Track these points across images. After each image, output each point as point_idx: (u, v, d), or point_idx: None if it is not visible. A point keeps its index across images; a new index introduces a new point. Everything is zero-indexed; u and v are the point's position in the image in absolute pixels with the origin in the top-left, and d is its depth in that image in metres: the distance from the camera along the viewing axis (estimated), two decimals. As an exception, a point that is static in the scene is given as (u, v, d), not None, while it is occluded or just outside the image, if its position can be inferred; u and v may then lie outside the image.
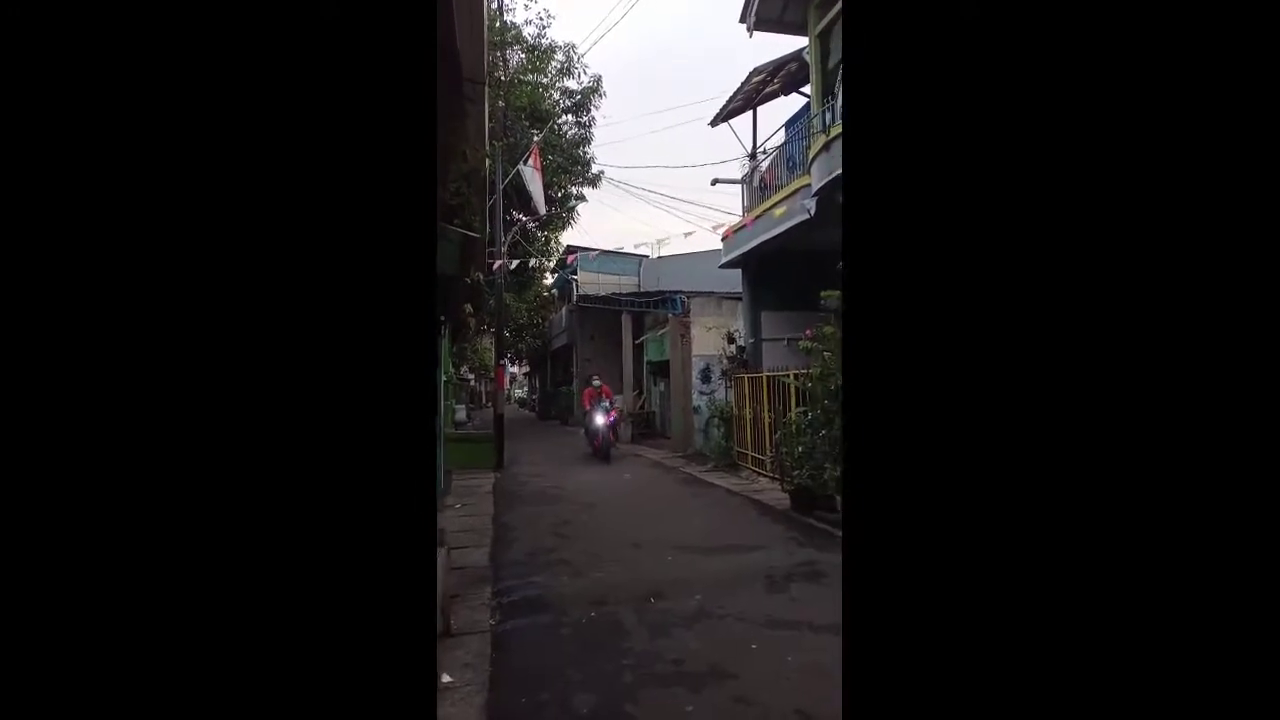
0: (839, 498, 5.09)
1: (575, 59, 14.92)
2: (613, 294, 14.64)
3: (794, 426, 5.92)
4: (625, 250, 17.27)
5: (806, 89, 8.09)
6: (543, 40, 14.94)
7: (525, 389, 35.79)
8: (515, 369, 30.67)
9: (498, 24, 11.26)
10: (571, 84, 15.07)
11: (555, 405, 19.55)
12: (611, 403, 10.24)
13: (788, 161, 8.41)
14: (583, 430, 10.62)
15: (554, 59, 14.89)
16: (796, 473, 5.65)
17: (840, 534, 4.79)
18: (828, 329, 5.54)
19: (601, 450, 9.66)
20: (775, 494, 6.35)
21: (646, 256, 17.30)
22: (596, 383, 10.48)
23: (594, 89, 15.18)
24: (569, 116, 15.34)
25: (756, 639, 2.89)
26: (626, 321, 14.26)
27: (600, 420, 9.74)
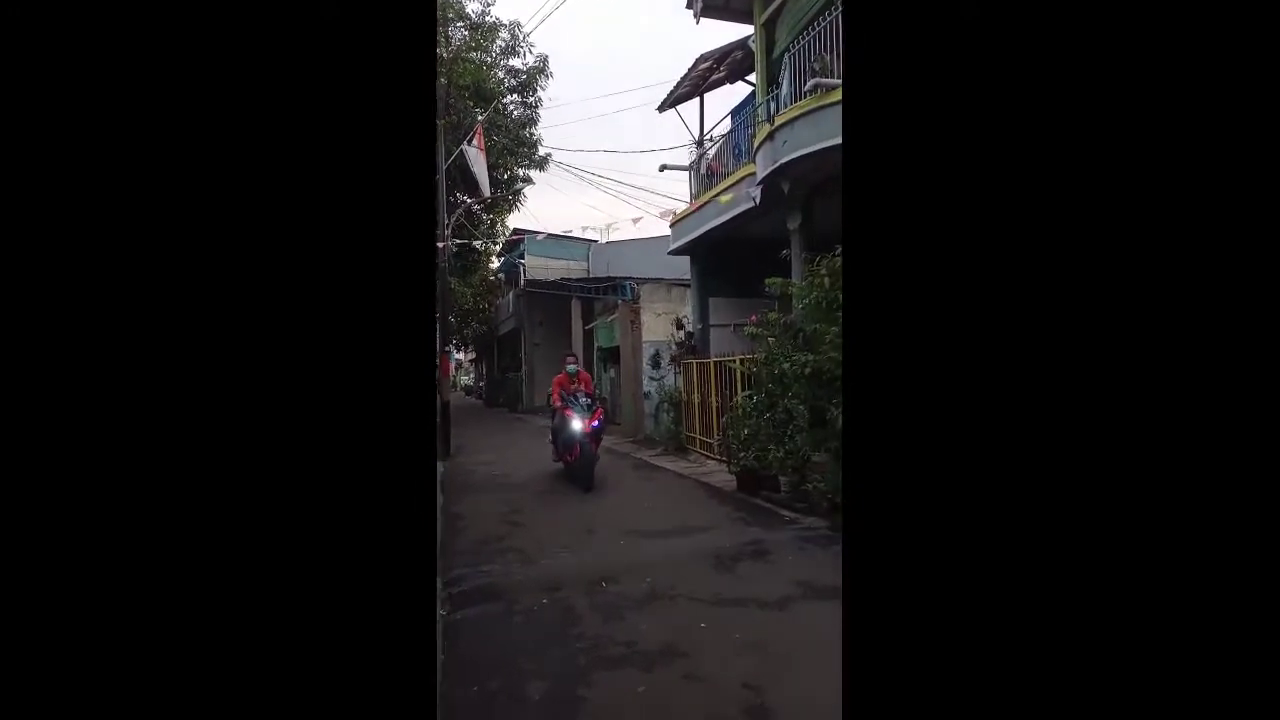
0: (782, 477, 5.27)
1: (521, 38, 14.56)
2: (562, 279, 14.50)
3: (740, 410, 6.06)
4: (574, 235, 17.12)
5: (752, 77, 8.18)
6: (487, 17, 14.49)
7: (471, 376, 35.13)
8: (461, 355, 30.04)
9: (439, -2, 10.85)
10: (517, 63, 14.72)
11: (503, 392, 19.29)
12: (594, 398, 6.67)
13: (734, 149, 8.51)
14: (550, 436, 7.00)
15: (498, 36, 14.48)
16: (742, 455, 5.81)
17: (784, 512, 4.98)
18: (772, 315, 5.68)
19: (580, 467, 6.20)
20: (723, 476, 6.51)
21: (596, 241, 17.20)
22: (573, 367, 6.99)
23: (540, 69, 14.87)
24: (514, 96, 14.99)
25: (706, 618, 2.99)
26: (576, 307, 14.17)
27: (578, 425, 6.17)
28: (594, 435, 6.37)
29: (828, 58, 5.50)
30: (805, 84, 5.34)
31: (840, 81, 5.19)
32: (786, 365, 5.04)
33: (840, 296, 4.81)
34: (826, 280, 4.94)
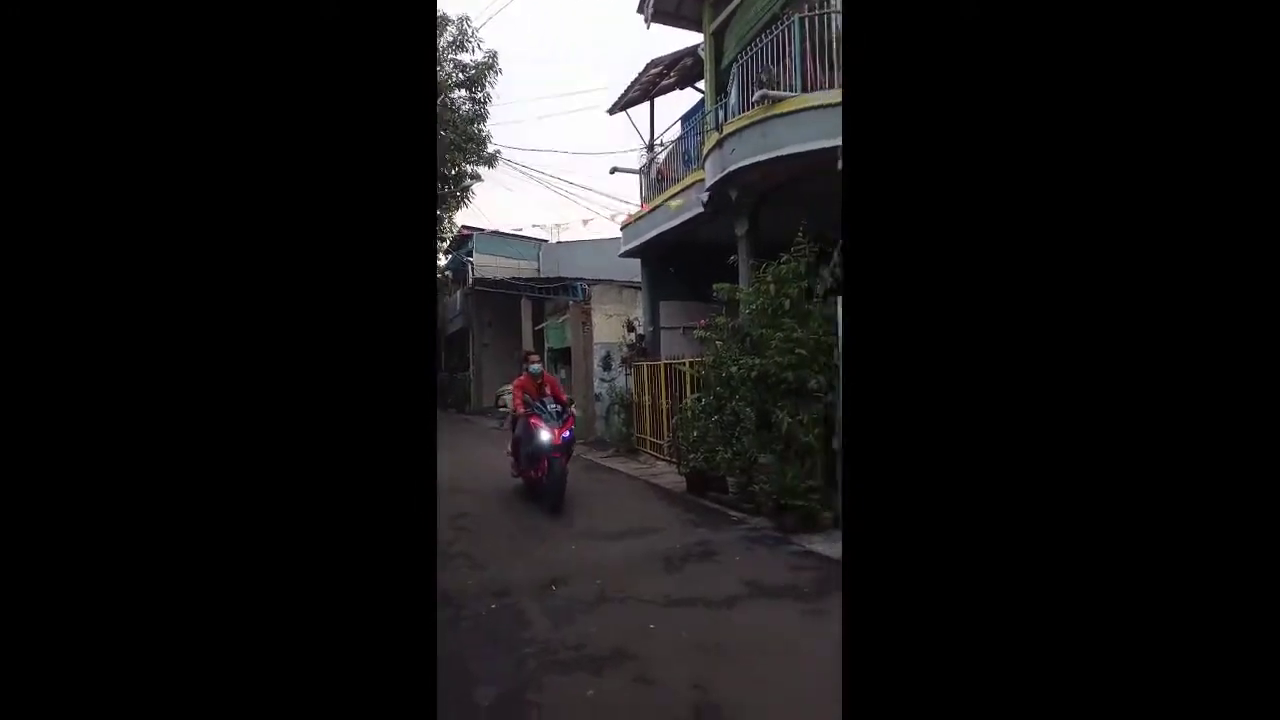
0: (730, 478, 5.39)
1: (470, 32, 14.31)
2: (511, 278, 14.32)
3: (689, 412, 6.16)
4: (523, 234, 16.93)
5: (702, 84, 8.31)
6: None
7: (417, 376, 34.07)
8: (406, 355, 29.08)
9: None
10: (466, 58, 14.45)
11: (451, 393, 18.88)
12: (565, 406, 5.69)
13: (683, 156, 8.62)
14: (509, 446, 6.19)
15: (447, 30, 14.19)
16: (691, 456, 5.90)
17: (731, 513, 5.09)
18: (720, 319, 5.80)
19: (549, 485, 5.24)
20: (672, 477, 6.59)
21: (546, 241, 17.06)
22: (536, 367, 5.96)
23: (489, 65, 14.64)
24: (462, 91, 14.71)
25: (655, 619, 3.04)
26: (526, 307, 14.02)
27: (546, 437, 5.24)
28: (565, 449, 5.36)
29: (775, 69, 5.67)
30: (753, 94, 5.48)
31: (787, 94, 5.36)
32: (734, 368, 5.16)
33: (785, 303, 4.96)
34: (772, 286, 5.09)
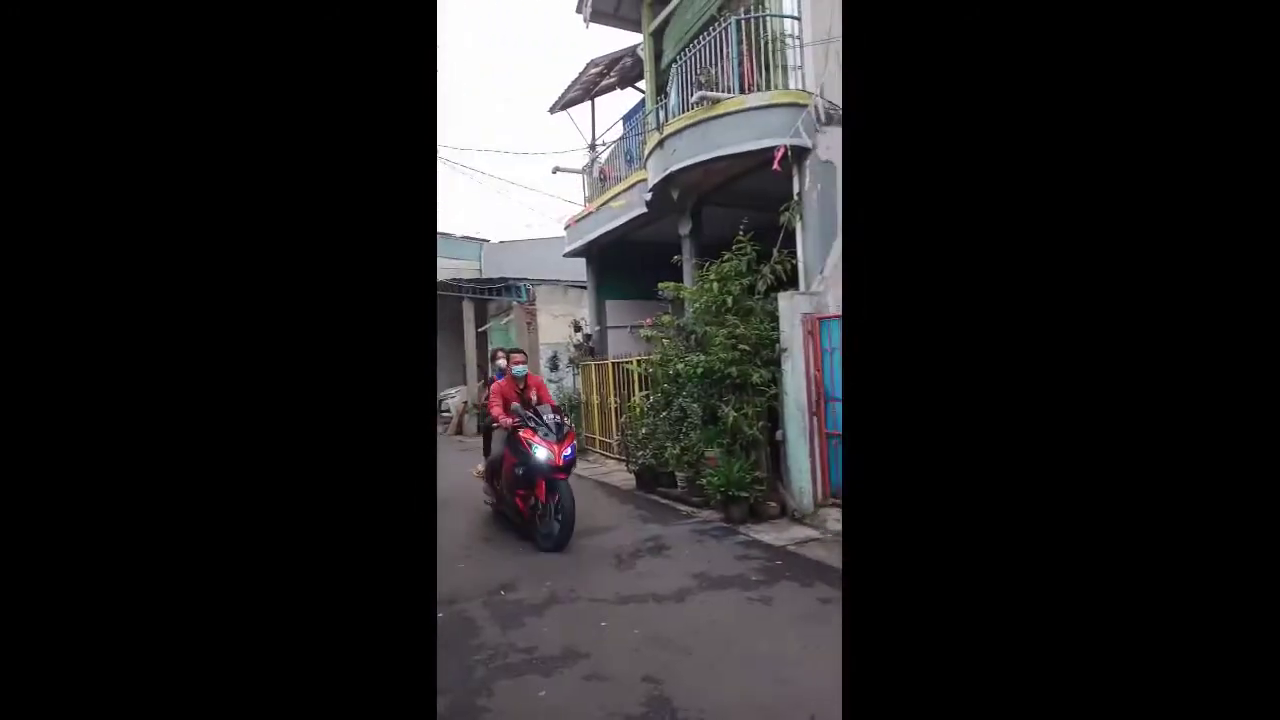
0: (678, 474, 5.44)
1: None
2: (452, 279, 13.98)
3: (637, 410, 6.19)
4: (466, 235, 16.58)
5: (643, 84, 8.36)
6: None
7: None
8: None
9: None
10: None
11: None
12: (561, 416, 4.45)
13: (625, 155, 8.65)
14: (479, 467, 5.40)
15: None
16: (640, 454, 5.94)
17: (681, 507, 5.14)
18: (665, 318, 5.86)
19: (554, 518, 4.12)
20: (622, 475, 6.61)
21: (488, 241, 16.76)
22: (521, 368, 4.83)
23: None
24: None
25: (607, 616, 3.04)
26: (468, 309, 13.72)
27: (543, 454, 4.08)
28: (567, 469, 4.18)
29: (713, 70, 5.76)
30: (692, 95, 5.55)
31: (725, 95, 5.45)
32: (680, 366, 5.22)
33: (728, 300, 5.05)
34: (715, 285, 5.17)
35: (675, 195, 6.27)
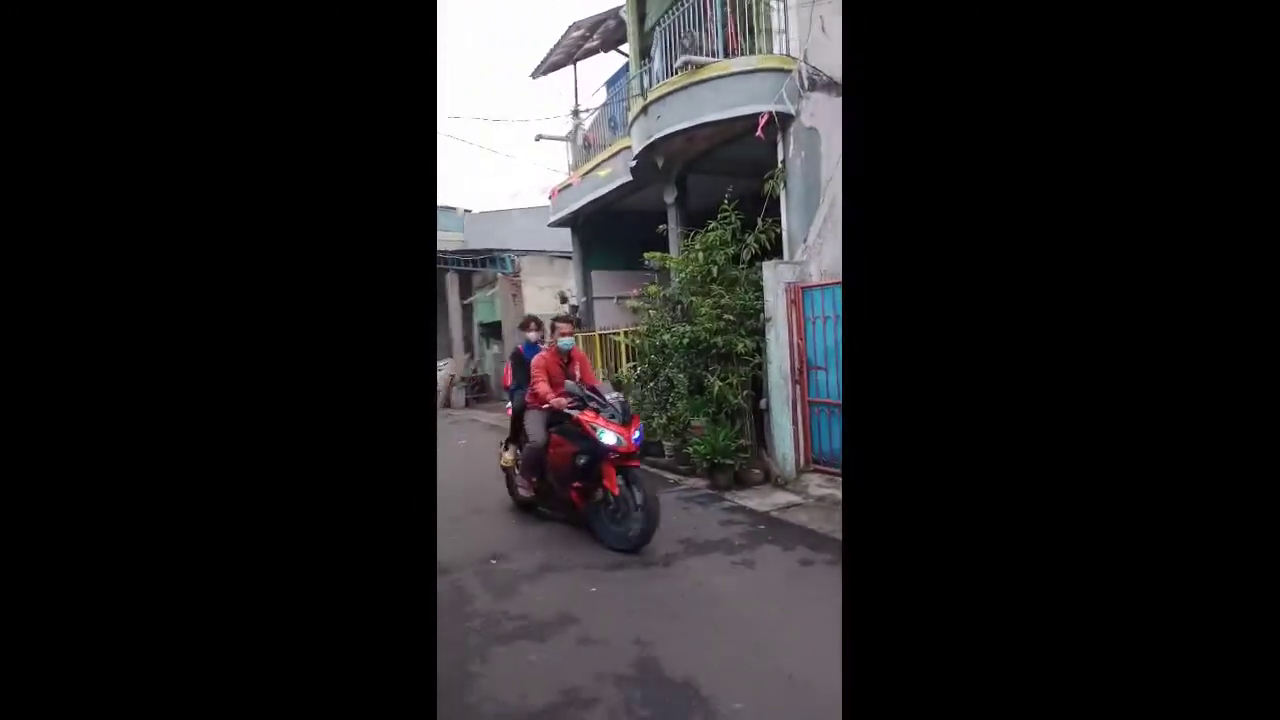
0: (665, 443, 5.53)
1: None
2: (437, 251, 13.81)
3: (625, 381, 6.23)
4: (448, 205, 16.30)
5: (626, 48, 8.17)
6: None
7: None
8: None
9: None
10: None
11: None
12: (622, 402, 3.71)
13: (609, 121, 8.50)
14: (506, 452, 4.53)
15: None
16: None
17: (668, 475, 5.23)
18: (652, 288, 5.86)
19: (644, 514, 3.41)
20: (611, 446, 6.68)
21: (471, 211, 16.51)
22: (567, 341, 4.09)
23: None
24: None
25: (597, 583, 3.13)
26: (453, 280, 13.59)
27: (612, 438, 3.45)
28: (639, 455, 3.70)
29: (697, 34, 5.64)
30: (676, 60, 5.45)
31: (709, 60, 5.36)
32: (667, 336, 5.25)
33: (713, 270, 5.06)
34: (700, 255, 5.17)
35: (660, 163, 6.20)
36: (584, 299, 9.47)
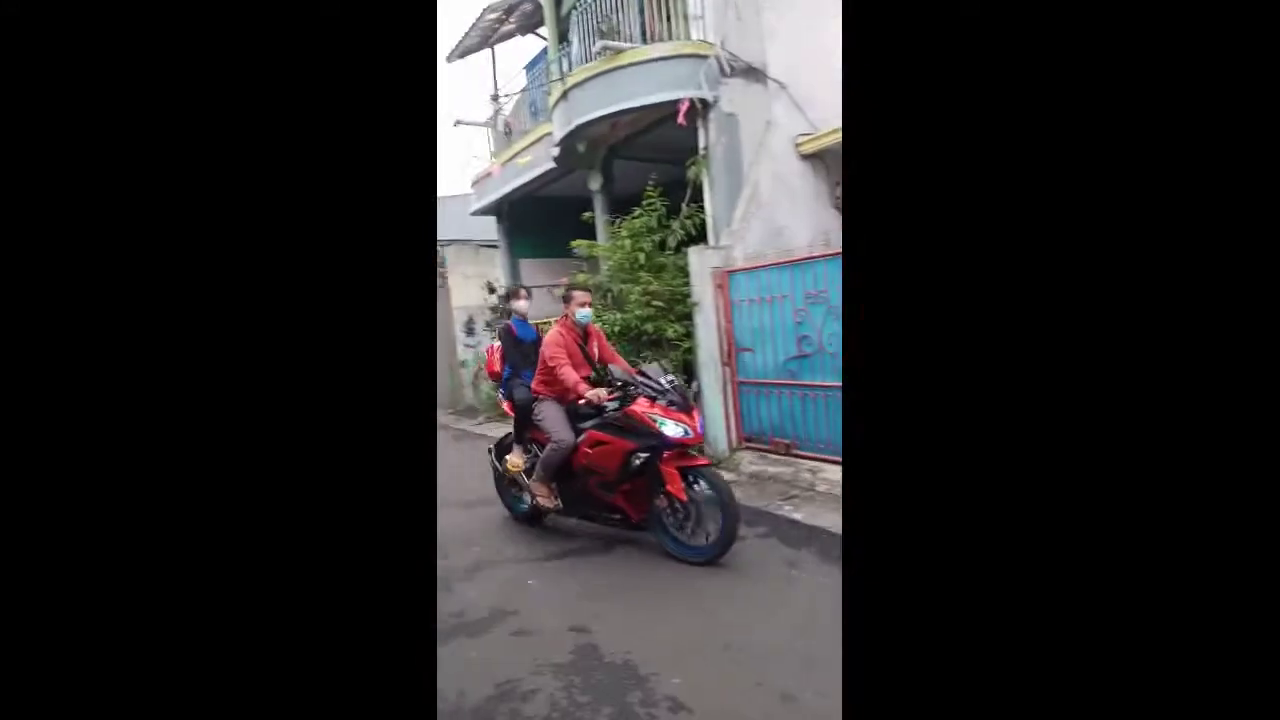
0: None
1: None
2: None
3: (558, 371, 6.18)
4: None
5: (544, 31, 8.00)
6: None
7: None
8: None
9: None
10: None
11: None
12: (676, 384, 3.06)
13: (530, 107, 8.33)
14: (519, 458, 3.62)
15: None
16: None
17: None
18: (581, 276, 5.82)
19: (725, 523, 2.85)
20: (546, 437, 6.62)
21: (390, 201, 15.78)
22: (586, 312, 3.34)
23: None
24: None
25: (534, 574, 3.11)
26: (374, 274, 13.00)
27: (676, 430, 2.86)
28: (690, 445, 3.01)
29: (615, 18, 5.60)
30: (595, 44, 5.39)
31: (627, 45, 5.33)
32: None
33: (641, 257, 5.09)
34: (627, 242, 5.18)
35: (583, 149, 6.15)
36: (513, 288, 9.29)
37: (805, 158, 5.45)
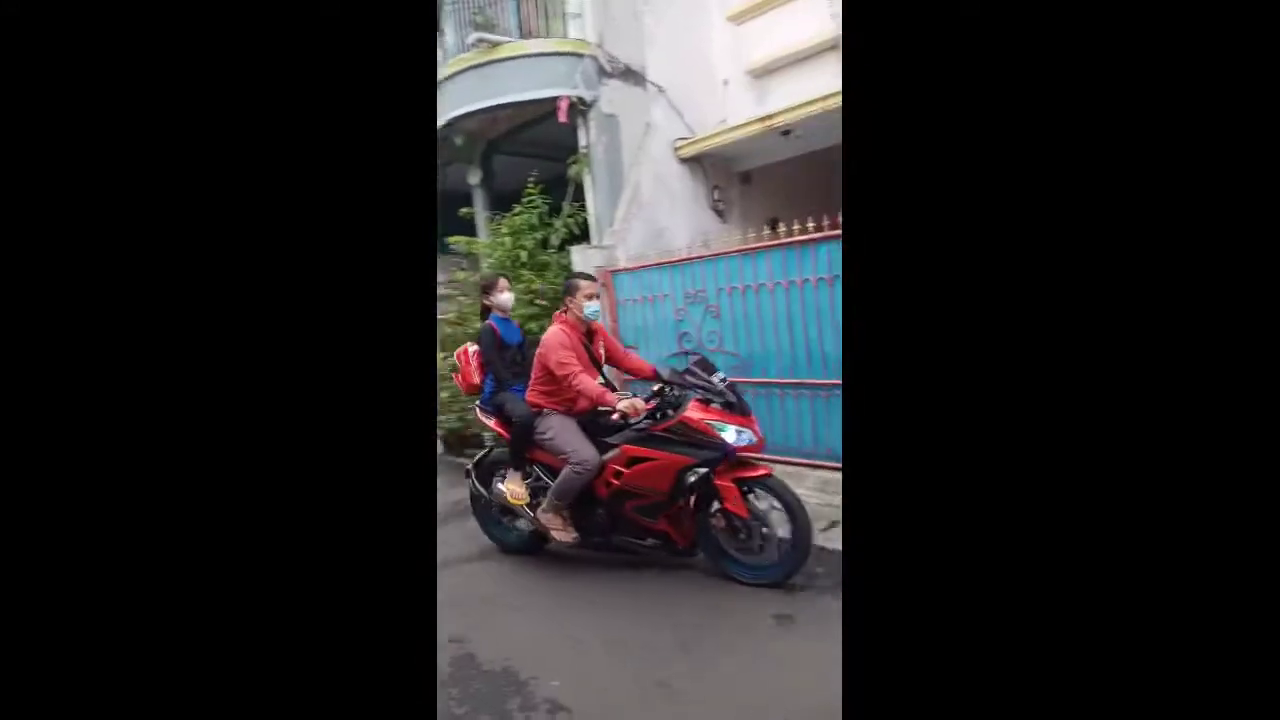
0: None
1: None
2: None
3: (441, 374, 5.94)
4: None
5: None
6: None
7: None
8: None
9: None
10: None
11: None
12: (728, 381, 2.65)
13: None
14: (519, 486, 2.94)
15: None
16: (443, 418, 5.74)
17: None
18: (460, 274, 5.63)
19: (762, 541, 2.57)
20: (428, 442, 6.34)
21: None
22: (594, 306, 2.84)
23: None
24: None
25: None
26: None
27: (743, 437, 2.52)
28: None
29: (490, 10, 5.45)
30: (469, 36, 5.22)
31: (503, 39, 5.22)
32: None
33: (522, 255, 5.00)
34: (509, 239, 5.07)
35: (460, 142, 5.94)
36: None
37: (684, 161, 5.62)
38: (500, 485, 3.02)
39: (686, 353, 4.40)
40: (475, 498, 3.26)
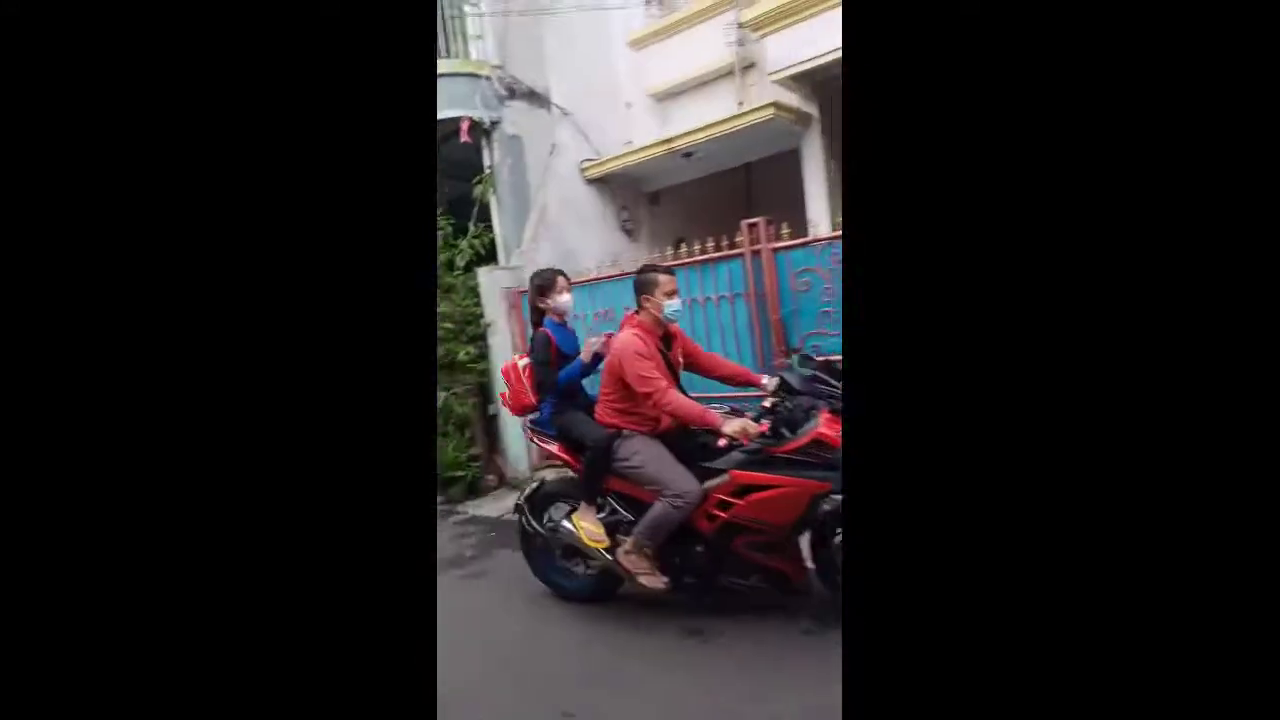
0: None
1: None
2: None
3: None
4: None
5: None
6: None
7: None
8: None
9: None
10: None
11: None
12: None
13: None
14: (593, 522, 2.44)
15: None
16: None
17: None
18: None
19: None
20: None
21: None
22: (674, 306, 2.37)
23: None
24: None
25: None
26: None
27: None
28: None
29: (388, 29, 5.33)
30: (365, 53, 5.08)
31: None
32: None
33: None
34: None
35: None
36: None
37: (591, 182, 5.67)
38: (567, 523, 2.51)
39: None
40: (529, 535, 2.72)
